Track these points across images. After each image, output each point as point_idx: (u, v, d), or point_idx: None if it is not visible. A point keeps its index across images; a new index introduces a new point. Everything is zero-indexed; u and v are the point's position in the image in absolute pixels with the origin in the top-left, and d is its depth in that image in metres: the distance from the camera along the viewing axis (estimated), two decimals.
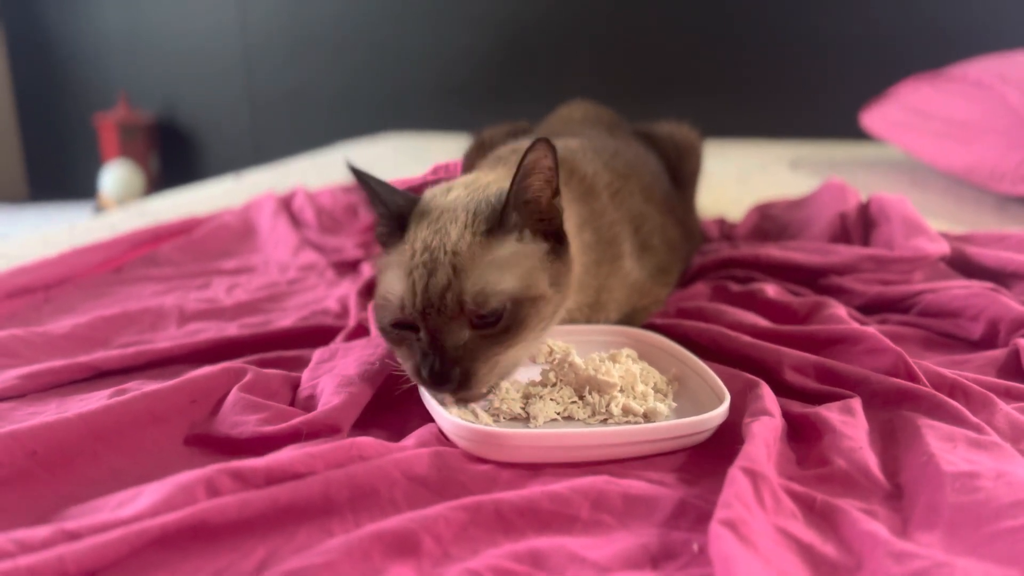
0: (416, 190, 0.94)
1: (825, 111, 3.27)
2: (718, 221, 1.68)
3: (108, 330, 1.08)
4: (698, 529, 0.61)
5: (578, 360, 0.85)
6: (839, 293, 1.16)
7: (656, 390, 0.85)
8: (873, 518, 0.60)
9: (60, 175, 5.03)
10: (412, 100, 4.16)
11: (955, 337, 1.03)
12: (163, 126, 4.77)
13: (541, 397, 0.82)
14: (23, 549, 0.53)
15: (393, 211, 0.86)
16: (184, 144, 4.78)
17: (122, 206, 2.52)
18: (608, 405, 0.80)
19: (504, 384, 0.83)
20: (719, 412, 0.75)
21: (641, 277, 1.11)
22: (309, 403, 0.83)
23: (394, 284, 0.81)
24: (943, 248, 1.19)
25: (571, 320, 1.01)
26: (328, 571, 0.54)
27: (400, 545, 0.57)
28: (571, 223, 0.92)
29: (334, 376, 0.84)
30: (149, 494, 0.60)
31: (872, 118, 2.44)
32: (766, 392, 0.80)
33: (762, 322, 1.04)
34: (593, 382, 0.82)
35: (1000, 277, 1.16)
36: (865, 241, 1.36)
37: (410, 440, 0.74)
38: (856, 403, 0.79)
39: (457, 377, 0.77)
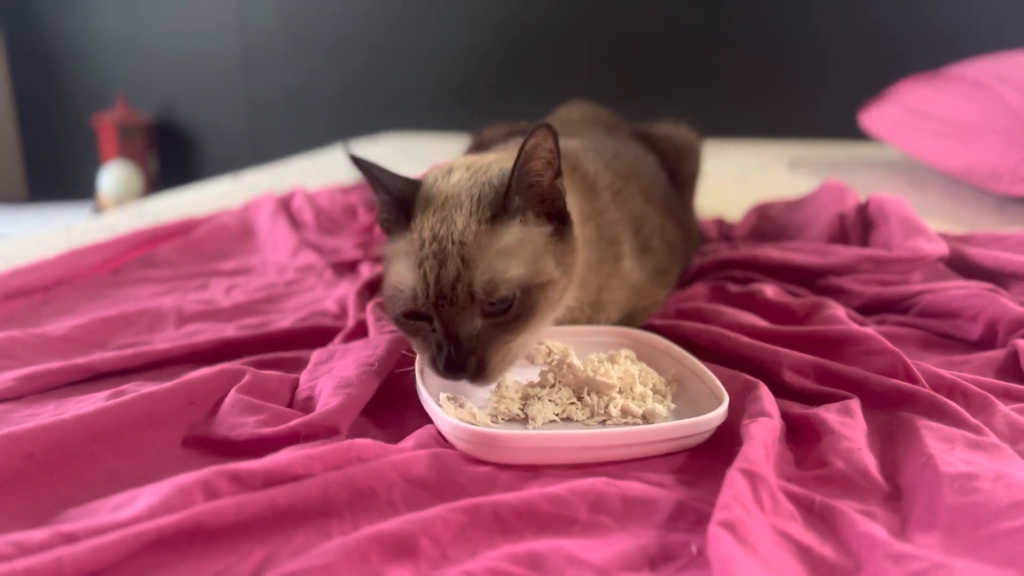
0: None
1: (824, 111, 3.27)
2: (717, 221, 1.68)
3: (106, 331, 1.08)
4: (697, 531, 0.61)
5: (577, 361, 0.85)
6: (838, 294, 1.16)
7: (655, 391, 0.85)
8: (872, 519, 0.60)
9: (59, 175, 5.03)
10: (412, 100, 4.16)
11: (954, 338, 1.03)
12: (162, 127, 4.77)
13: (540, 398, 0.82)
14: (20, 551, 0.53)
15: (396, 196, 0.87)
16: (183, 145, 4.78)
17: (121, 206, 2.51)
18: (607, 406, 0.80)
19: (504, 384, 0.83)
20: (718, 413, 0.75)
21: (641, 278, 1.11)
22: (307, 404, 0.83)
23: (405, 275, 0.82)
24: (942, 249, 1.19)
25: (573, 320, 1.01)
26: (326, 573, 0.54)
27: (398, 547, 0.57)
28: (574, 213, 0.92)
29: (332, 377, 0.84)
30: (147, 496, 0.60)
31: (871, 118, 2.44)
32: (765, 393, 0.80)
33: (761, 323, 1.04)
34: (592, 383, 0.83)
35: (999, 278, 1.16)
36: (864, 242, 1.36)
37: (409, 442, 0.74)
38: (855, 404, 0.79)
39: (473, 367, 0.79)
